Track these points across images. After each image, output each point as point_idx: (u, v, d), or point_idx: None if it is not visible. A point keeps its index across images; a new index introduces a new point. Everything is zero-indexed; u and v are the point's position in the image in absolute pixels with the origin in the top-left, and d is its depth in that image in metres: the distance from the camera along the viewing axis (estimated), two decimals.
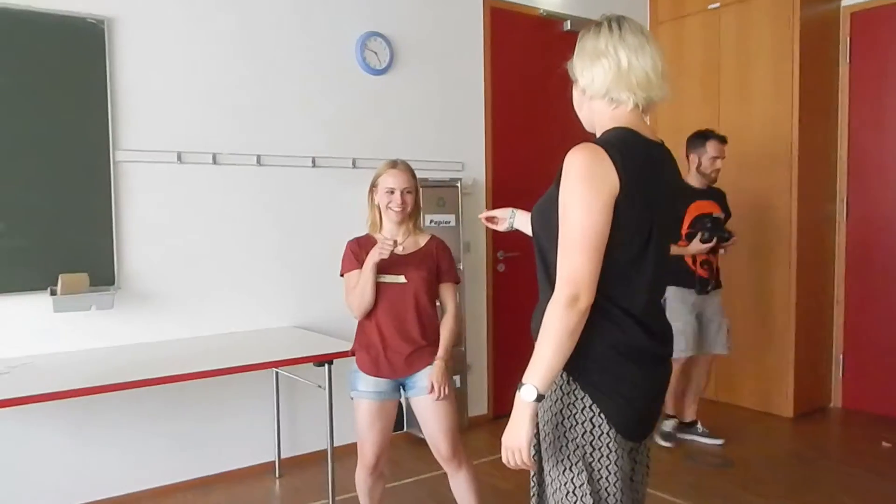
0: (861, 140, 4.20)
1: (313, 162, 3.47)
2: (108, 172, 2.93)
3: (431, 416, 2.28)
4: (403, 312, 2.27)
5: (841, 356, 4.29)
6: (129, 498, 3.00)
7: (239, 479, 3.23)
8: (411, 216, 2.35)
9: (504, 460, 1.32)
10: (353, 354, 2.37)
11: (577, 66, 1.39)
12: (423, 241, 2.36)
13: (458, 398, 2.37)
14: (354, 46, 3.59)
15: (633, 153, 1.29)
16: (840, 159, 4.28)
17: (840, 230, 4.30)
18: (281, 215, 3.41)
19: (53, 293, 2.73)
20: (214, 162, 3.21)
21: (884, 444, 3.62)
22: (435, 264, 2.32)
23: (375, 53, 3.64)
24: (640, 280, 1.33)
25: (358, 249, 2.33)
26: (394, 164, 2.32)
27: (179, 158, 3.12)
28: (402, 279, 2.26)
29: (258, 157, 3.32)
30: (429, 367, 2.28)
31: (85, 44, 2.87)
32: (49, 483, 2.83)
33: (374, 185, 2.35)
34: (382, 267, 2.25)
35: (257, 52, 3.32)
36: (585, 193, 1.25)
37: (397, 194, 2.27)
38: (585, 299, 1.25)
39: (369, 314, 2.29)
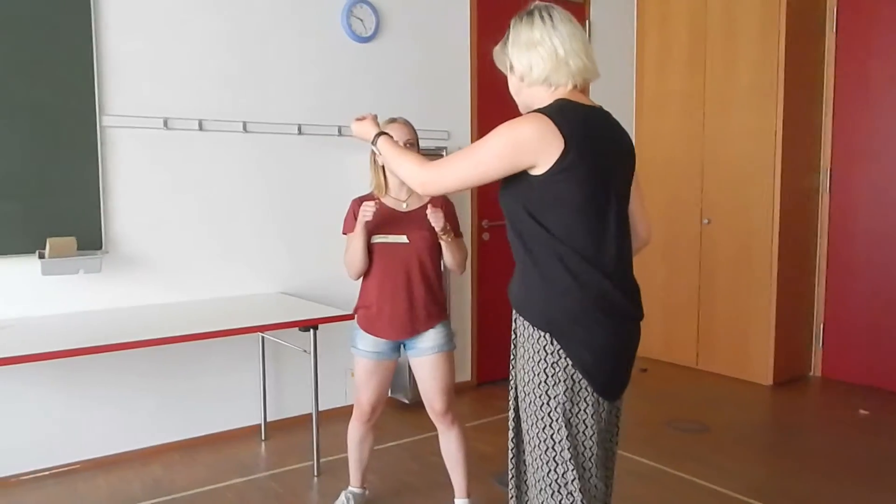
0: (846, 111, 4.18)
1: (299, 129, 3.48)
2: (94, 137, 2.93)
3: (429, 374, 2.31)
4: (407, 273, 2.24)
5: (822, 326, 4.34)
6: (117, 458, 3.06)
7: (225, 441, 3.30)
8: None
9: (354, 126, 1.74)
10: (356, 312, 2.36)
11: (514, 56, 1.51)
12: (426, 197, 2.31)
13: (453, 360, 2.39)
14: (340, 13, 3.57)
15: (571, 115, 1.38)
16: (825, 130, 4.26)
17: (823, 202, 4.31)
18: (267, 182, 3.43)
19: (42, 256, 2.76)
20: (201, 128, 3.22)
21: (861, 412, 3.66)
22: None
23: (361, 20, 3.63)
24: (606, 233, 1.40)
25: (358, 209, 2.26)
26: (393, 120, 2.32)
27: (166, 125, 3.12)
28: (404, 239, 2.23)
29: (244, 123, 3.33)
30: (432, 329, 2.29)
31: (70, 5, 2.85)
32: (38, 441, 2.89)
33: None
34: (384, 226, 2.23)
35: (243, 18, 3.31)
36: (504, 145, 1.37)
37: None
38: (432, 191, 1.52)
39: (369, 274, 2.28)
